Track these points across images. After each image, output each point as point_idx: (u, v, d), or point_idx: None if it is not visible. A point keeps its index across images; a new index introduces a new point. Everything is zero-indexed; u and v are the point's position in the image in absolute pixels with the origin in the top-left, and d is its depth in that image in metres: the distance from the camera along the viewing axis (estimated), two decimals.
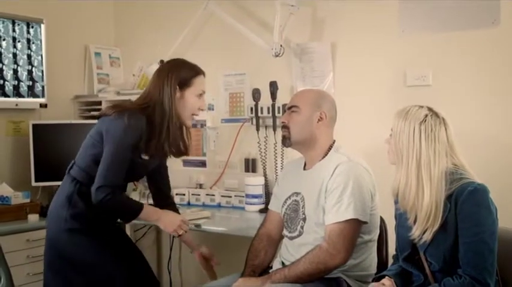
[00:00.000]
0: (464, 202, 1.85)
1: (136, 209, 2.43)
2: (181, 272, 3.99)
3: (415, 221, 1.95)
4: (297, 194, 2.40)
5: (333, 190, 2.25)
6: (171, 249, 3.93)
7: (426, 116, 1.94)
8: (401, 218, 2.06)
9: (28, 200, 3.32)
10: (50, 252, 2.44)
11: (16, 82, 3.59)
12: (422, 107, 1.98)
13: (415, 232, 1.93)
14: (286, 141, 2.43)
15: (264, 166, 3.46)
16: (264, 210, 3.19)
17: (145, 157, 2.44)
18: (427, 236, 1.90)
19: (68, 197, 2.39)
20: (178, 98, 2.42)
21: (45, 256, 2.47)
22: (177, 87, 2.41)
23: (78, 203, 2.38)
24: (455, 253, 1.88)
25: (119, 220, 2.60)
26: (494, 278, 1.87)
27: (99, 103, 3.84)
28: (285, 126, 2.42)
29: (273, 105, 3.38)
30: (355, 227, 2.23)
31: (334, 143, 2.42)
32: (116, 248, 2.48)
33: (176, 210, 2.69)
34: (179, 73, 2.44)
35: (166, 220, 2.50)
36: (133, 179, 2.58)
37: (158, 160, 2.57)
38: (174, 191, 3.70)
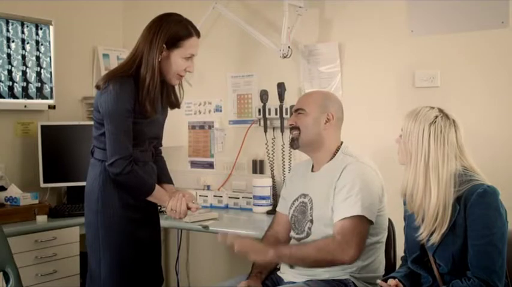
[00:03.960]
0: (474, 204, 1.85)
1: (151, 183, 2.41)
2: (189, 273, 3.99)
3: (422, 222, 1.94)
4: (305, 195, 2.40)
5: (341, 188, 2.25)
6: (178, 250, 3.93)
7: (436, 117, 1.93)
8: (410, 220, 2.05)
9: (36, 201, 3.32)
10: (87, 234, 2.45)
11: (25, 84, 3.60)
12: (433, 108, 1.97)
13: (423, 233, 1.93)
14: (294, 143, 2.42)
15: (271, 168, 3.46)
16: (272, 211, 3.19)
17: (151, 115, 2.37)
18: (435, 238, 1.90)
19: (97, 178, 2.37)
20: (165, 57, 2.34)
21: (86, 238, 2.47)
22: (164, 46, 2.32)
23: (108, 182, 2.35)
24: (465, 255, 1.87)
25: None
26: (503, 281, 1.85)
27: None
28: (294, 128, 2.41)
29: (281, 107, 3.38)
30: (365, 225, 2.23)
31: (341, 144, 2.41)
32: (142, 236, 2.44)
33: (165, 165, 2.65)
34: (169, 31, 2.33)
35: (173, 205, 2.40)
36: (155, 140, 2.52)
37: (166, 114, 2.54)
38: None
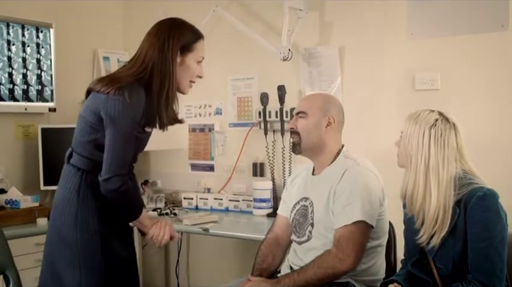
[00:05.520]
0: (474, 207, 1.84)
1: (141, 204, 2.27)
2: (189, 277, 3.99)
3: (422, 225, 1.94)
4: (306, 199, 2.40)
5: (341, 193, 2.24)
6: (179, 253, 3.93)
7: (436, 120, 1.93)
8: (409, 223, 2.05)
9: (37, 204, 3.33)
10: (61, 249, 2.18)
11: (25, 86, 3.61)
12: (433, 111, 1.97)
13: (423, 236, 1.93)
14: (296, 148, 2.41)
15: (272, 170, 3.46)
16: (272, 214, 3.19)
17: (149, 130, 2.21)
18: (435, 241, 1.89)
19: (76, 190, 2.14)
20: (179, 63, 2.18)
21: (46, 257, 2.25)
22: (179, 51, 2.18)
23: (89, 195, 2.14)
24: (465, 258, 1.87)
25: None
26: (503, 284, 1.85)
27: None
28: (294, 132, 2.41)
29: (281, 110, 3.38)
30: (364, 230, 2.22)
31: (342, 147, 2.41)
32: (122, 254, 2.26)
33: (137, 185, 2.42)
34: (181, 36, 2.19)
35: (155, 232, 2.26)
36: (136, 157, 2.30)
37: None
38: (182, 195, 3.72)
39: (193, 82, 2.29)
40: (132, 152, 2.15)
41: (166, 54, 2.15)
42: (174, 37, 2.18)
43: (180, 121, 2.32)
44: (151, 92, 2.14)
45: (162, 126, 2.23)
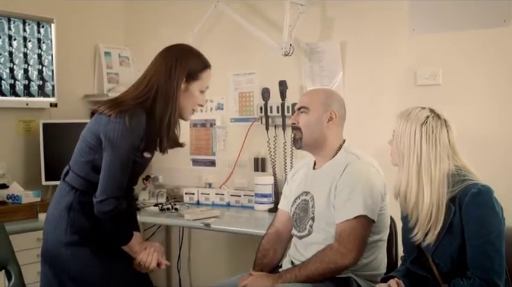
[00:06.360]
0: (469, 204, 1.84)
1: (131, 232, 2.21)
2: (191, 272, 3.99)
3: (416, 223, 1.93)
4: (307, 193, 2.40)
5: (343, 188, 2.25)
6: (180, 248, 3.94)
7: (427, 117, 1.92)
8: (406, 221, 2.05)
9: (38, 199, 3.33)
10: (48, 268, 2.24)
11: (27, 82, 3.61)
12: (424, 108, 1.96)
13: (417, 234, 1.92)
14: (297, 142, 2.41)
15: (273, 165, 3.46)
16: (273, 209, 3.19)
17: (148, 155, 2.22)
18: (431, 238, 1.89)
19: (67, 207, 2.15)
20: (183, 90, 2.17)
21: (42, 272, 2.26)
22: (184, 78, 2.17)
23: (79, 214, 2.14)
24: (463, 255, 1.86)
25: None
26: (503, 279, 1.85)
27: None
28: (296, 128, 2.41)
29: (283, 105, 3.38)
30: (366, 225, 2.23)
31: (344, 142, 2.41)
32: (121, 264, 2.22)
33: (135, 208, 2.42)
34: (188, 63, 2.18)
35: (143, 258, 2.21)
36: (135, 179, 2.32)
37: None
38: (183, 191, 3.72)
39: (195, 110, 2.28)
40: (128, 175, 2.13)
41: (172, 79, 2.15)
42: (182, 63, 2.17)
43: (181, 145, 2.31)
44: (154, 116, 2.13)
45: (163, 150, 2.22)
